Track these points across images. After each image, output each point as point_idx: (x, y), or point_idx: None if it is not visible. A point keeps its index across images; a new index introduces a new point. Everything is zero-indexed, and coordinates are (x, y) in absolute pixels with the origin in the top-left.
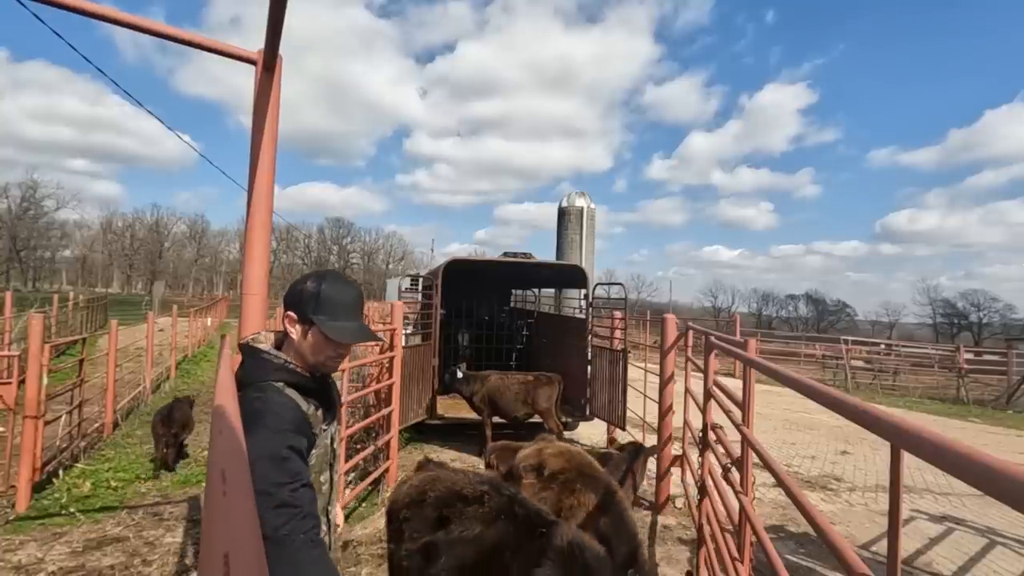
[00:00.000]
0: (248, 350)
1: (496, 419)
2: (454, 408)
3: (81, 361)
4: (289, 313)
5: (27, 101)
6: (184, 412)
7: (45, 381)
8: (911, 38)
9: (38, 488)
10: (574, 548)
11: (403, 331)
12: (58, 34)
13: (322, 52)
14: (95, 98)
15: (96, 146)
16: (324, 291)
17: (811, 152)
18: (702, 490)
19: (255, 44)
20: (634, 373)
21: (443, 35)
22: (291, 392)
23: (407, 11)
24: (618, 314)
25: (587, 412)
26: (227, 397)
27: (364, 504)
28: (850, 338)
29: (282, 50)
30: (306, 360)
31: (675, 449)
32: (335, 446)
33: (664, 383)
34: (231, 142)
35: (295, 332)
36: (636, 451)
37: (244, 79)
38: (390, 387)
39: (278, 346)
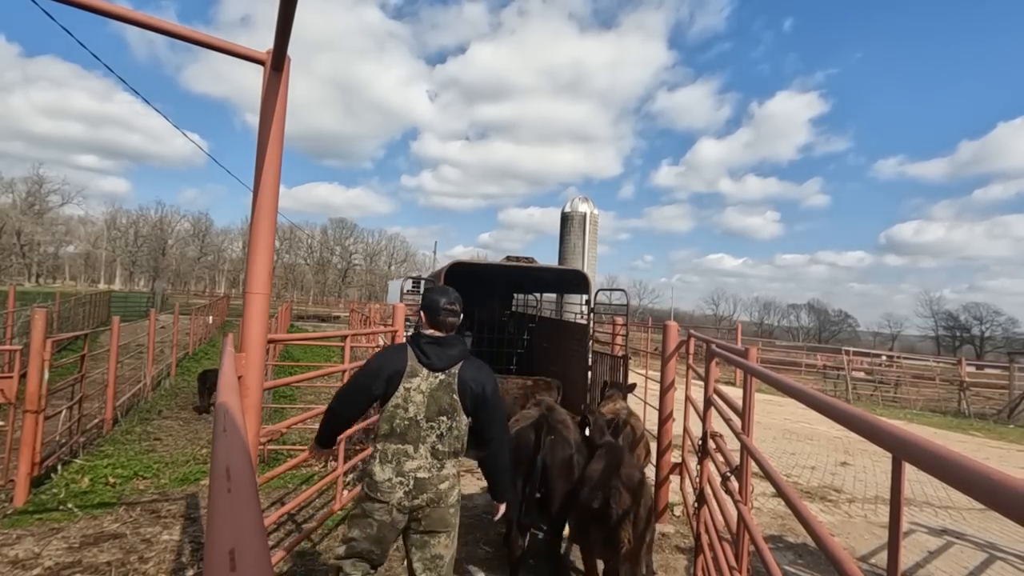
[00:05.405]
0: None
1: None
2: None
3: (82, 357)
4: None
5: (37, 96)
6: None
7: (46, 376)
8: (928, 48)
9: (36, 483)
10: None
11: (404, 332)
12: (68, 31)
13: (333, 52)
14: (105, 94)
15: (104, 142)
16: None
17: (820, 161)
18: (701, 498)
19: (265, 42)
20: (634, 379)
21: (455, 37)
22: None
23: (420, 12)
24: (619, 320)
25: None
26: (231, 395)
27: None
28: (852, 349)
29: (292, 51)
30: None
31: (674, 457)
32: None
33: (664, 390)
34: (238, 140)
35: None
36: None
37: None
38: None
39: None
